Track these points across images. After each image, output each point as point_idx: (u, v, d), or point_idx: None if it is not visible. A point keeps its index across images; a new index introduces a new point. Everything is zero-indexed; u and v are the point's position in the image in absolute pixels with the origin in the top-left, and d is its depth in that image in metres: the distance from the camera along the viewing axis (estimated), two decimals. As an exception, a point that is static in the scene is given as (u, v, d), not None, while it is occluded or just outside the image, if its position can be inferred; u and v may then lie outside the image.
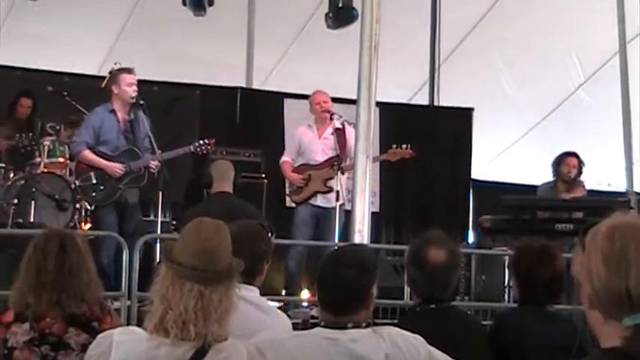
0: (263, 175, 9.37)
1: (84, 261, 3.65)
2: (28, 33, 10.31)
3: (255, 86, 11.20)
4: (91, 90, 8.46)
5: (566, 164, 8.65)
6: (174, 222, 8.65)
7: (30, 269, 3.59)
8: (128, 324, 5.39)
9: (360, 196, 6.52)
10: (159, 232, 7.53)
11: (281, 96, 10.76)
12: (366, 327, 2.94)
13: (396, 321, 4.01)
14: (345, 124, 8.19)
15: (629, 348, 1.86)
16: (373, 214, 7.97)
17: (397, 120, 10.85)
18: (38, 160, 8.37)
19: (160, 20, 10.59)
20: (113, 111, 7.46)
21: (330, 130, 8.07)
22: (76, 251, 3.64)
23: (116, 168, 7.39)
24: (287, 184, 8.48)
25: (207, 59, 10.92)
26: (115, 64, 7.77)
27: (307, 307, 7.18)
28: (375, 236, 8.95)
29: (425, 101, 11.58)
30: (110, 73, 7.72)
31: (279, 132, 10.37)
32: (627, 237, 1.91)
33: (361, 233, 6.43)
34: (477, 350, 3.52)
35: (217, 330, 2.68)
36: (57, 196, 7.97)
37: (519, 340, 3.70)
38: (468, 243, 10.17)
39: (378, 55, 6.58)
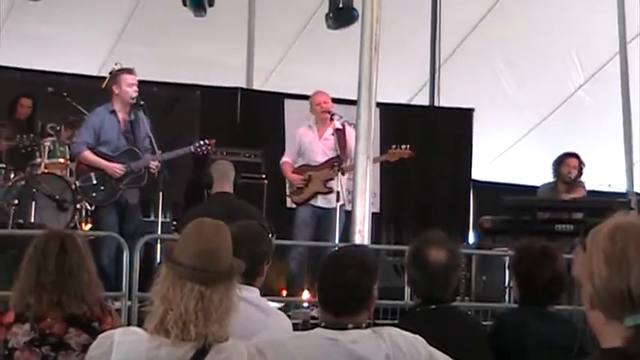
0: (263, 176, 9.38)
1: (84, 261, 3.65)
2: (29, 34, 10.31)
3: (255, 87, 11.20)
4: (91, 91, 8.47)
5: (567, 165, 8.65)
6: (174, 222, 8.64)
7: (30, 270, 3.59)
8: (129, 324, 5.39)
9: (361, 197, 6.52)
10: (159, 232, 7.52)
11: (281, 96, 10.76)
12: (366, 327, 2.94)
13: (396, 321, 4.01)
14: (346, 124, 8.20)
15: (629, 348, 1.86)
16: (374, 214, 7.97)
17: (397, 120, 10.86)
18: (39, 160, 8.37)
19: (161, 21, 10.59)
20: (113, 111, 7.46)
21: (330, 130, 8.07)
22: (77, 252, 3.64)
23: (116, 168, 7.39)
24: (287, 185, 8.48)
25: (208, 60, 10.93)
26: (116, 64, 7.78)
27: (308, 307, 7.17)
28: (375, 237, 8.95)
29: (425, 102, 11.58)
30: (110, 73, 7.73)
31: (279, 132, 10.37)
32: (628, 237, 1.91)
33: (362, 234, 6.43)
34: (477, 351, 3.52)
35: (218, 330, 2.69)
36: (57, 197, 7.97)
37: (519, 341, 3.70)
38: (468, 243, 10.18)
39: (379, 56, 6.58)
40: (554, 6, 10.88)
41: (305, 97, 8.78)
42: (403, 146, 8.17)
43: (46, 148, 8.40)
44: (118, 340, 2.73)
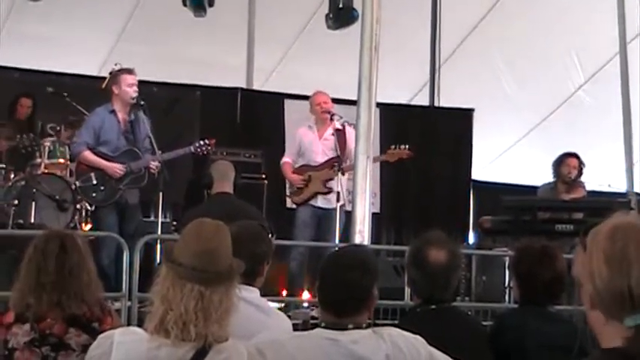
0: (263, 176, 9.38)
1: (84, 262, 3.65)
2: (29, 34, 10.31)
3: (255, 87, 11.20)
4: (91, 91, 8.47)
5: (567, 165, 8.65)
6: (174, 223, 8.64)
7: (30, 270, 3.59)
8: (129, 325, 5.39)
9: (361, 197, 6.51)
10: (159, 232, 7.52)
11: (281, 97, 10.76)
12: (366, 328, 2.94)
13: (396, 322, 4.01)
14: (346, 124, 8.20)
15: (630, 348, 1.86)
16: (374, 214, 7.96)
17: (397, 121, 10.86)
18: (39, 161, 8.36)
19: (161, 21, 10.60)
20: (113, 111, 7.46)
21: (330, 130, 8.07)
22: (77, 252, 3.64)
23: (116, 168, 7.39)
24: (287, 185, 8.48)
25: (208, 60, 10.93)
26: (116, 64, 7.78)
27: (308, 307, 7.17)
28: (375, 237, 8.94)
29: (425, 102, 11.58)
30: (110, 73, 7.73)
31: (279, 133, 10.37)
32: (629, 237, 1.91)
33: (362, 234, 6.43)
34: (477, 351, 3.52)
35: (218, 331, 2.69)
36: (57, 197, 7.97)
37: (519, 341, 3.70)
38: (468, 244, 10.18)
39: (379, 56, 6.58)
40: (554, 6, 10.88)
41: (305, 98, 8.78)
42: (402, 146, 8.17)
43: (46, 148, 8.40)
44: (117, 340, 2.73)
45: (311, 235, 7.99)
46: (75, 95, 8.75)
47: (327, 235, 7.84)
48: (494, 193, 10.08)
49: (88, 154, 7.42)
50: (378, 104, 7.02)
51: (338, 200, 7.71)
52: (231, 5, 10.07)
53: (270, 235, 4.14)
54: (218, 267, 2.72)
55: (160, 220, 7.75)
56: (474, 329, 3.74)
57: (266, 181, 9.32)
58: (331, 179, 7.99)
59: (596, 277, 1.91)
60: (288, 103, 10.65)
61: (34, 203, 7.90)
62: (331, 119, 8.06)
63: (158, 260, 6.81)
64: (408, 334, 2.96)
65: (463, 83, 11.52)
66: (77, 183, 7.52)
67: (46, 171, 8.25)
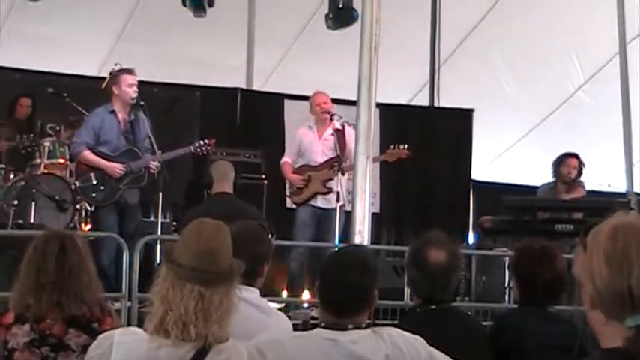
0: (263, 176, 9.38)
1: (84, 262, 3.65)
2: (28, 34, 10.31)
3: (255, 87, 11.20)
4: (91, 91, 8.47)
5: (567, 165, 8.65)
6: (174, 223, 8.64)
7: (30, 270, 3.58)
8: (128, 325, 5.39)
9: (361, 197, 6.51)
10: (159, 233, 7.52)
11: (281, 97, 10.76)
12: (366, 328, 2.94)
13: (396, 322, 4.01)
14: (345, 125, 8.19)
15: (630, 348, 1.86)
16: (373, 215, 7.97)
17: (397, 121, 10.86)
18: (38, 161, 8.36)
19: (160, 21, 10.60)
20: (113, 112, 7.46)
21: (330, 131, 8.08)
22: (77, 252, 3.64)
23: (116, 168, 7.39)
24: (287, 186, 8.48)
25: (208, 60, 10.93)
26: (116, 64, 7.78)
27: (308, 308, 7.17)
28: (375, 237, 8.95)
29: (425, 102, 11.58)
30: (110, 73, 7.73)
31: (279, 133, 10.37)
32: (629, 237, 1.91)
33: (362, 234, 6.43)
34: (477, 351, 3.52)
35: (218, 331, 2.69)
36: (57, 197, 7.97)
37: (519, 341, 3.70)
38: (468, 244, 10.18)
39: (379, 56, 6.58)
40: (554, 6, 10.88)
41: (305, 98, 8.78)
42: (401, 146, 8.18)
43: (46, 148, 8.40)
44: (117, 340, 2.73)
45: (311, 236, 7.99)
46: (75, 95, 8.75)
47: (326, 236, 7.84)
48: (494, 193, 10.09)
49: (88, 154, 7.42)
50: (378, 104, 7.02)
51: (338, 200, 7.71)
52: (231, 5, 10.07)
53: (270, 236, 4.14)
54: (218, 267, 2.72)
55: (159, 221, 7.75)
56: (473, 329, 3.74)
57: (266, 182, 9.32)
58: (331, 179, 7.99)
59: (597, 277, 1.91)
60: (287, 103, 10.65)
61: (33, 204, 7.90)
62: (331, 119, 8.07)
63: (158, 260, 6.81)
64: (407, 334, 2.96)
65: (463, 83, 11.52)
66: (77, 183, 7.52)
67: (46, 171, 8.24)
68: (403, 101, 11.83)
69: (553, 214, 8.02)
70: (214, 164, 6.83)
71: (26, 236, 4.78)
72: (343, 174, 7.77)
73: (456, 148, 11.42)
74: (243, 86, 10.99)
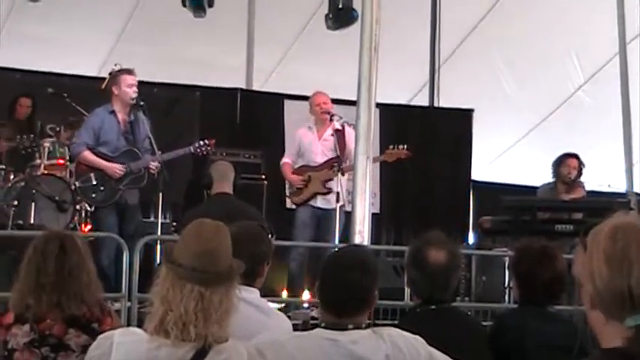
0: (263, 177, 9.38)
1: (84, 262, 3.65)
2: (29, 34, 10.32)
3: (255, 87, 11.21)
4: (91, 91, 8.47)
5: (567, 165, 8.65)
6: (174, 223, 8.64)
7: (30, 271, 3.58)
8: (128, 325, 5.38)
9: (361, 198, 6.51)
10: (159, 233, 7.53)
11: (281, 97, 10.76)
12: (366, 328, 2.94)
13: (396, 322, 4.01)
14: (345, 125, 8.19)
15: (630, 348, 1.86)
16: (373, 215, 7.97)
17: (397, 121, 10.85)
18: (38, 161, 8.37)
19: (160, 21, 10.60)
20: (113, 112, 7.46)
21: (329, 131, 8.08)
22: (76, 253, 3.64)
23: (116, 169, 7.38)
24: (287, 186, 8.48)
25: (208, 60, 10.93)
26: (115, 65, 7.78)
27: (308, 308, 7.17)
28: (375, 237, 8.94)
29: (425, 102, 11.58)
30: (110, 74, 7.73)
31: (279, 133, 10.37)
32: (630, 237, 1.91)
33: (361, 234, 6.42)
34: (477, 351, 3.52)
35: (218, 331, 2.68)
36: (57, 198, 7.97)
37: (519, 341, 3.70)
38: (468, 244, 10.18)
39: (378, 56, 6.58)
40: (554, 6, 10.88)
41: (305, 98, 8.78)
42: (400, 146, 8.18)
43: (46, 149, 8.40)
44: (117, 340, 2.72)
45: (311, 236, 7.99)
46: (75, 96, 8.76)
47: (326, 236, 7.84)
48: (494, 193, 10.08)
49: (88, 154, 7.41)
50: (378, 104, 7.02)
51: (338, 201, 7.71)
52: (230, 6, 10.07)
53: (270, 236, 4.14)
54: (218, 267, 2.71)
55: (159, 221, 7.75)
56: (473, 329, 3.74)
57: (266, 182, 9.32)
58: (331, 180, 7.99)
59: (597, 277, 1.91)
60: (287, 103, 10.65)
61: (33, 204, 7.90)
62: (331, 120, 8.07)
63: (158, 261, 6.81)
64: (407, 334, 2.96)
65: (463, 83, 11.52)
66: (77, 183, 7.52)
67: (46, 172, 8.25)
68: (403, 101, 11.83)
69: (553, 214, 8.02)
70: (214, 164, 6.82)
71: (26, 237, 4.79)
72: (343, 174, 7.77)
73: (456, 148, 11.42)
74: (243, 86, 10.99)
